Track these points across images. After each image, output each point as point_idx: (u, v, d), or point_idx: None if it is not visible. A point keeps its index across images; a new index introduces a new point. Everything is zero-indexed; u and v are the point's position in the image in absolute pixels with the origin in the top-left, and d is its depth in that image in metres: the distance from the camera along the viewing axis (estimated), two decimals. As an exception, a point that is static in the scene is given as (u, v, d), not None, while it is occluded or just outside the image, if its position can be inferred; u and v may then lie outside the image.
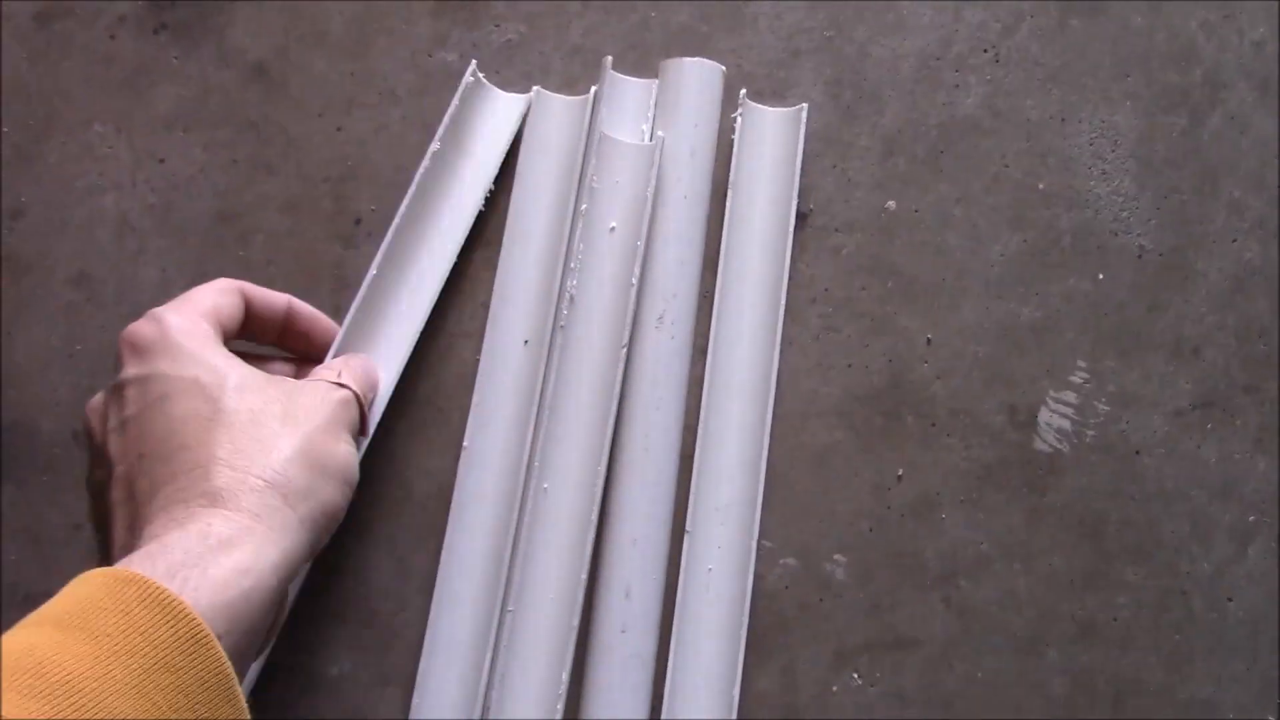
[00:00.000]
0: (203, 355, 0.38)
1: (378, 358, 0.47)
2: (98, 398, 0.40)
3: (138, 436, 0.37)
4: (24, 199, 0.50)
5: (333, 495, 0.38)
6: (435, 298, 0.48)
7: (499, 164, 0.50)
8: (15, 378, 0.49)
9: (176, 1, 0.51)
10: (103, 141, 0.51)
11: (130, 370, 0.38)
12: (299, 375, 0.45)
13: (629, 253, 0.49)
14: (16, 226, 0.50)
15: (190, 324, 0.39)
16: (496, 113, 0.51)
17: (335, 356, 0.45)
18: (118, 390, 0.38)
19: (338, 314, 0.49)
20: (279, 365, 0.46)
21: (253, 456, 0.36)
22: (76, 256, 0.50)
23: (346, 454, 0.39)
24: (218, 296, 0.42)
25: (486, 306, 0.49)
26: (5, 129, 0.51)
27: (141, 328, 0.39)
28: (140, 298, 0.50)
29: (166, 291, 0.50)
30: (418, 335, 0.47)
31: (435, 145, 0.47)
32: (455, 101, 0.48)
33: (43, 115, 0.51)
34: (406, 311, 0.48)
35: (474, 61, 0.49)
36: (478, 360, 0.49)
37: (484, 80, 0.50)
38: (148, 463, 0.36)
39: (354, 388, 0.41)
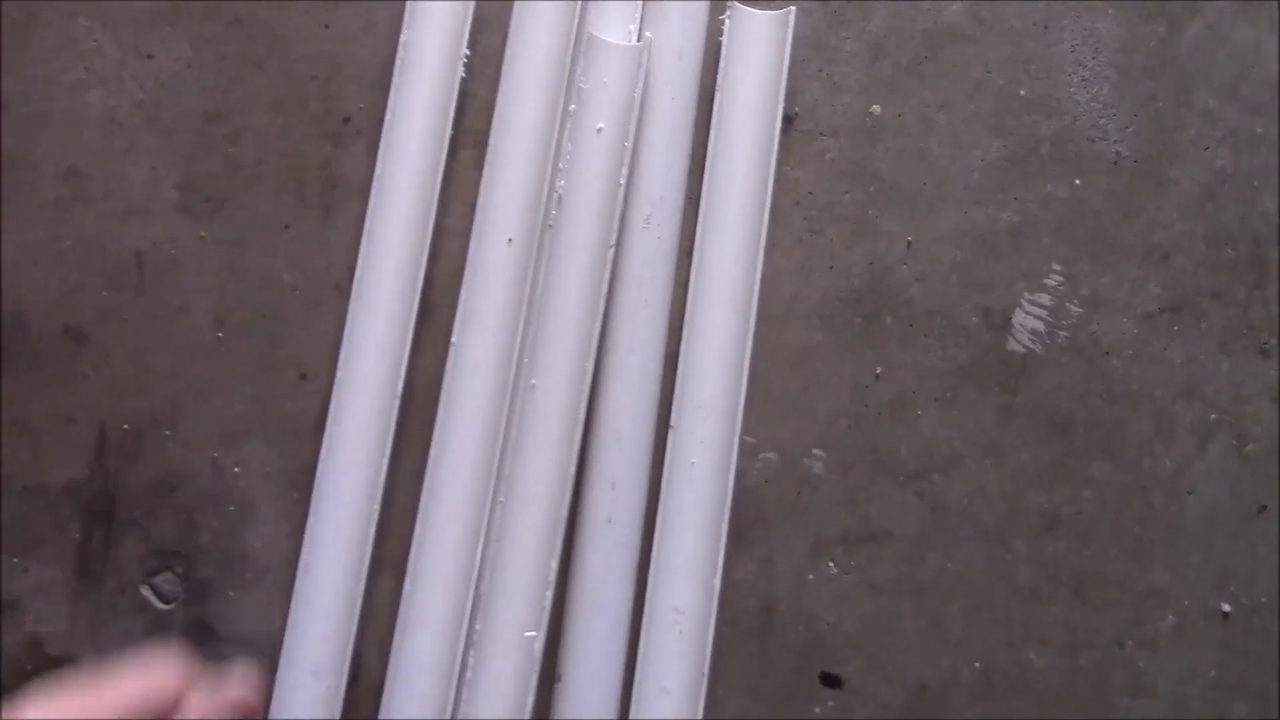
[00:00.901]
0: None
1: (392, 262, 0.48)
2: None
3: None
4: (8, 93, 0.50)
5: None
6: (436, 197, 0.49)
7: (467, 33, 0.50)
8: (4, 272, 0.49)
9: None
10: (88, 36, 0.50)
11: None
12: None
13: (617, 154, 0.49)
14: (1, 122, 0.50)
15: None
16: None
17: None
18: None
19: (328, 214, 0.50)
20: None
21: None
22: (64, 152, 0.50)
23: None
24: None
25: (473, 206, 0.50)
26: (-13, 22, 0.50)
27: None
28: (129, 194, 0.50)
29: (156, 190, 0.50)
30: (429, 237, 0.48)
31: (404, 35, 0.48)
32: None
33: (26, 8, 0.50)
34: (410, 216, 0.49)
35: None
36: (465, 258, 0.49)
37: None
38: None
39: None
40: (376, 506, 0.48)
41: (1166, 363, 0.51)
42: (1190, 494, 0.51)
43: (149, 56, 0.50)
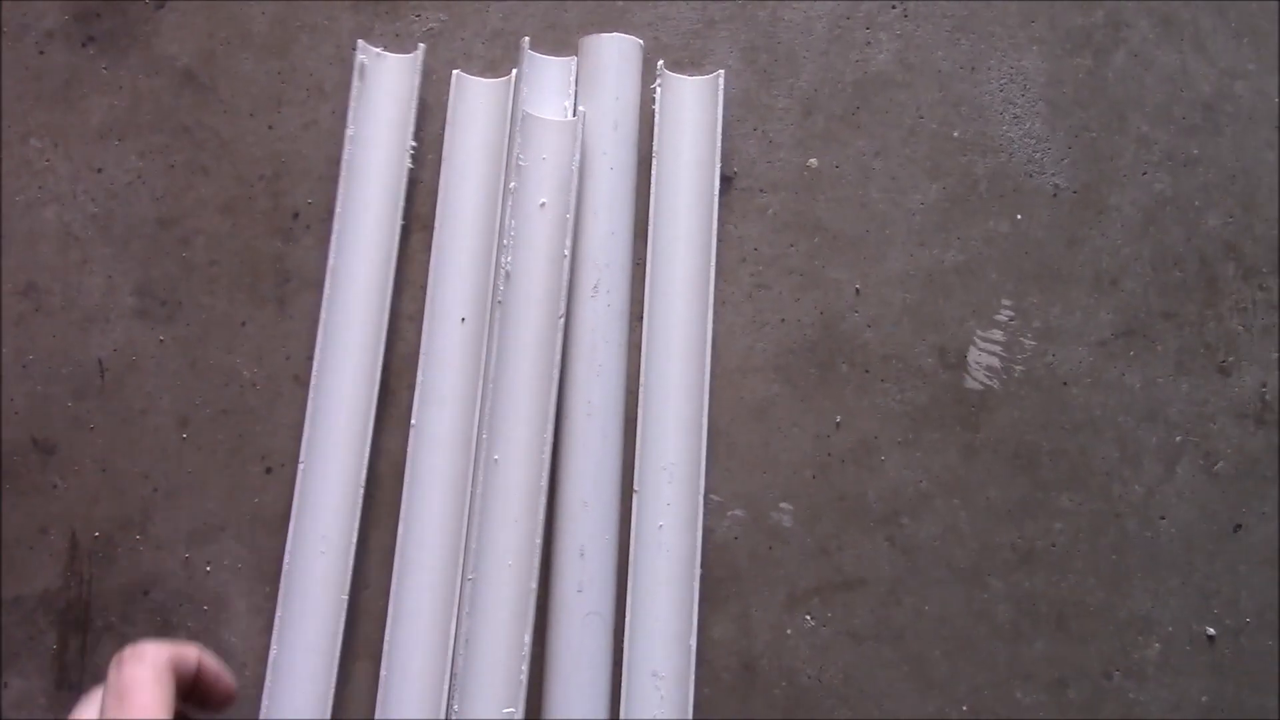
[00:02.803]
0: None
1: (350, 349, 0.49)
2: None
3: None
4: (-33, 216, 0.51)
5: None
6: (391, 283, 0.50)
7: (413, 124, 0.51)
8: (-28, 391, 0.50)
9: (102, 15, 0.52)
10: (40, 155, 0.52)
11: None
12: None
13: (560, 226, 0.50)
14: (-38, 244, 0.51)
15: None
16: (398, 76, 0.52)
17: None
18: None
19: (283, 307, 0.51)
20: None
21: None
22: (22, 269, 0.51)
23: None
24: (163, 693, 0.38)
25: (425, 289, 0.51)
26: (-57, 149, 0.52)
27: None
28: (88, 304, 0.51)
29: (114, 298, 0.51)
30: (386, 322, 0.49)
31: (350, 130, 0.49)
32: (355, 80, 0.50)
33: (-21, 133, 0.52)
34: (365, 304, 0.50)
35: (359, 40, 0.51)
36: (420, 340, 0.50)
37: (379, 51, 0.52)
38: None
39: None
40: (345, 596, 0.48)
41: (1126, 388, 0.52)
42: (1163, 518, 0.51)
43: (99, 170, 0.52)
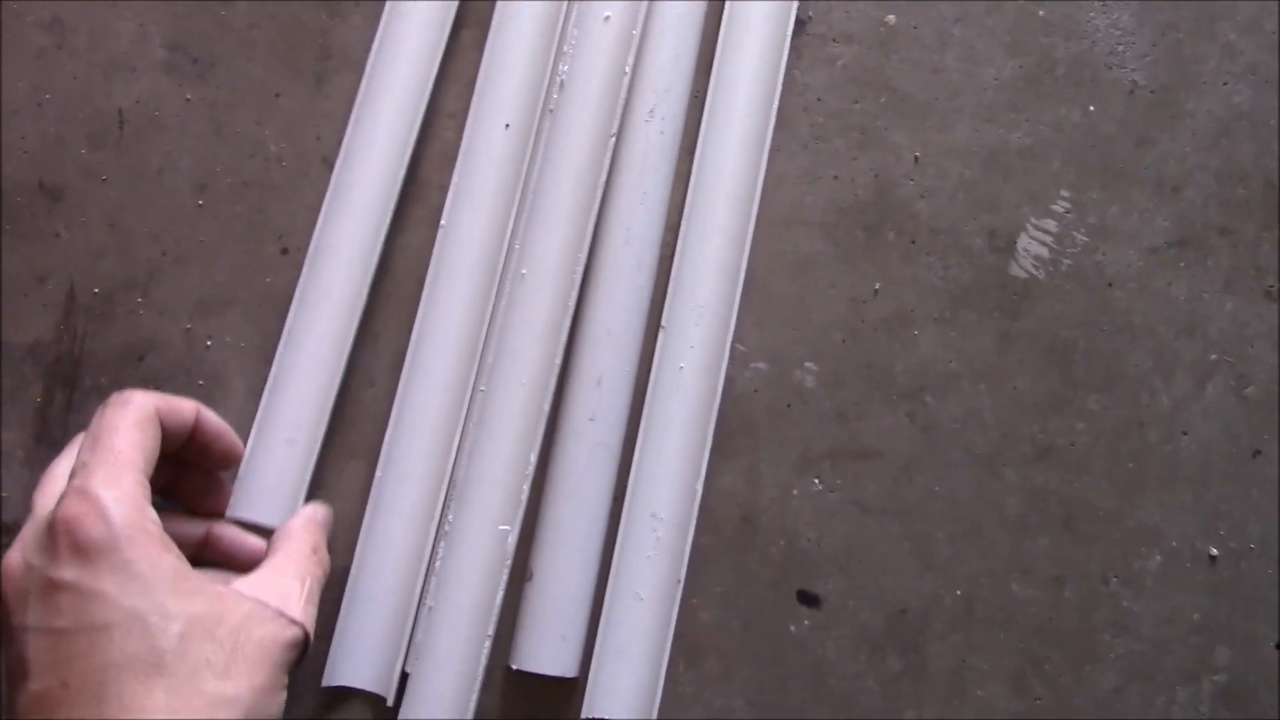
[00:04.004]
0: (152, 582, 0.35)
1: (377, 143, 0.46)
2: (16, 559, 0.36)
3: (66, 659, 0.34)
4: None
5: None
6: (434, 74, 0.47)
7: None
8: (-20, 123, 0.47)
9: None
10: (82, -118, 0.48)
11: (68, 571, 0.34)
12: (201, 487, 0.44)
13: (624, 42, 0.48)
14: (-14, -34, 0.48)
15: (138, 520, 0.36)
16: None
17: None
18: (51, 587, 0.34)
19: (321, 85, 0.48)
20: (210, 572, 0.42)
21: None
22: (49, 1, 0.48)
23: (279, 708, 0.37)
24: (143, 438, 0.38)
25: (471, 87, 0.48)
26: None
27: (85, 519, 0.35)
28: (115, 50, 0.48)
29: (143, 48, 0.48)
30: (421, 114, 0.47)
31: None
32: None
33: None
34: (401, 96, 0.48)
35: None
36: (460, 141, 0.48)
37: None
38: (73, 698, 0.34)
39: (305, 624, 0.38)
40: (336, 384, 0.46)
41: (1170, 298, 0.50)
42: (1185, 433, 0.50)
43: (145, -94, 0.48)
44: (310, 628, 0.39)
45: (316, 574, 0.41)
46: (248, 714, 0.35)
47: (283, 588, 0.39)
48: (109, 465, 0.37)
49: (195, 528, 0.43)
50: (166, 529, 0.37)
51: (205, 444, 0.42)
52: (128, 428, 0.38)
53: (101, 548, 0.35)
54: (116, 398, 0.39)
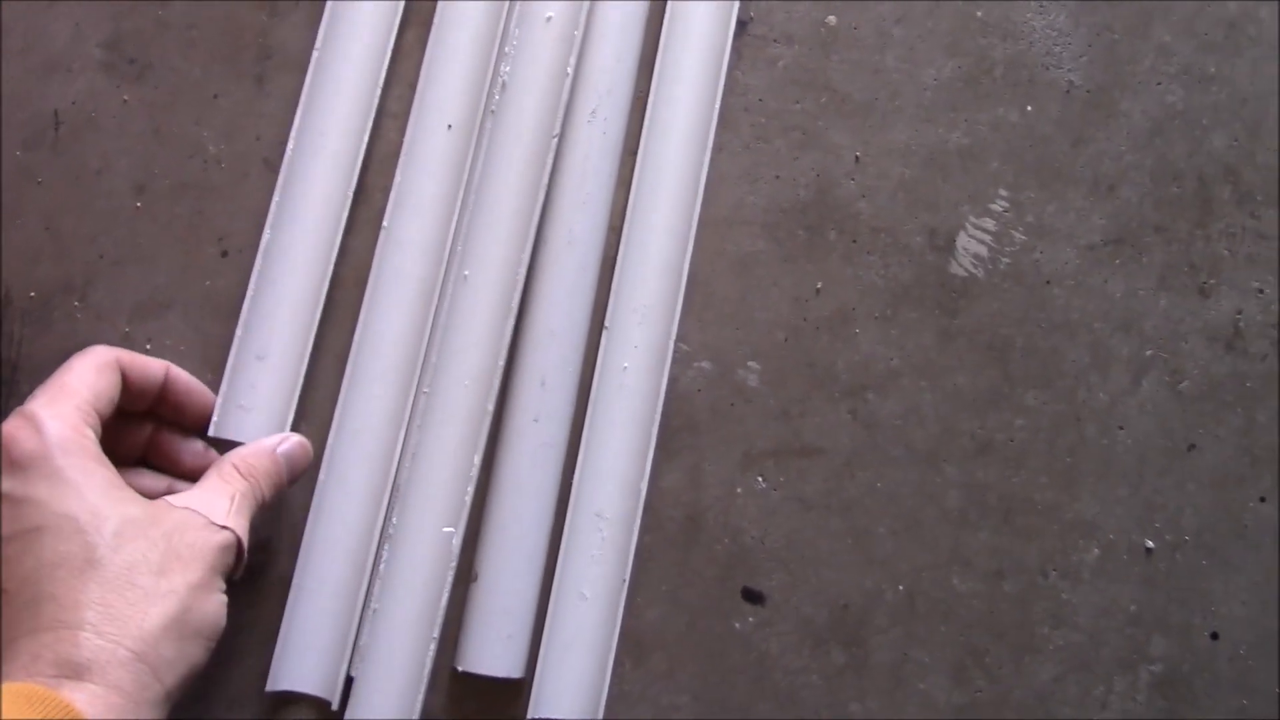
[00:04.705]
0: (84, 488, 0.36)
1: (325, 142, 0.46)
2: None
3: (2, 565, 0.35)
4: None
5: (200, 656, 0.37)
6: (382, 75, 0.47)
7: None
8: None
9: None
10: (14, -120, 0.48)
11: (5, 484, 0.36)
12: (178, 446, 0.44)
13: (565, 42, 0.48)
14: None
15: (72, 435, 0.37)
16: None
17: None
18: None
19: (261, 85, 0.48)
20: (148, 479, 0.44)
21: (124, 621, 0.34)
22: (-18, 1, 0.47)
23: (217, 608, 0.38)
24: (96, 378, 0.39)
25: (414, 88, 0.48)
26: None
27: (19, 434, 0.37)
28: (50, 50, 0.47)
29: (79, 48, 0.48)
30: (372, 115, 0.47)
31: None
32: None
33: None
34: (351, 92, 0.48)
35: None
36: (402, 142, 0.48)
37: None
38: (9, 602, 0.35)
39: (235, 530, 0.39)
40: (297, 392, 0.46)
41: (1107, 295, 0.51)
42: (1121, 428, 0.51)
43: (78, -95, 0.48)
44: (242, 536, 0.40)
45: (244, 489, 0.41)
46: (183, 609, 0.36)
47: (211, 503, 0.40)
48: (52, 393, 0.39)
49: (140, 432, 0.44)
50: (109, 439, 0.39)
51: (178, 403, 0.43)
52: (81, 369, 0.40)
53: (34, 457, 0.36)
54: (82, 349, 0.41)
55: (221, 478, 0.41)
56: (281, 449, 0.44)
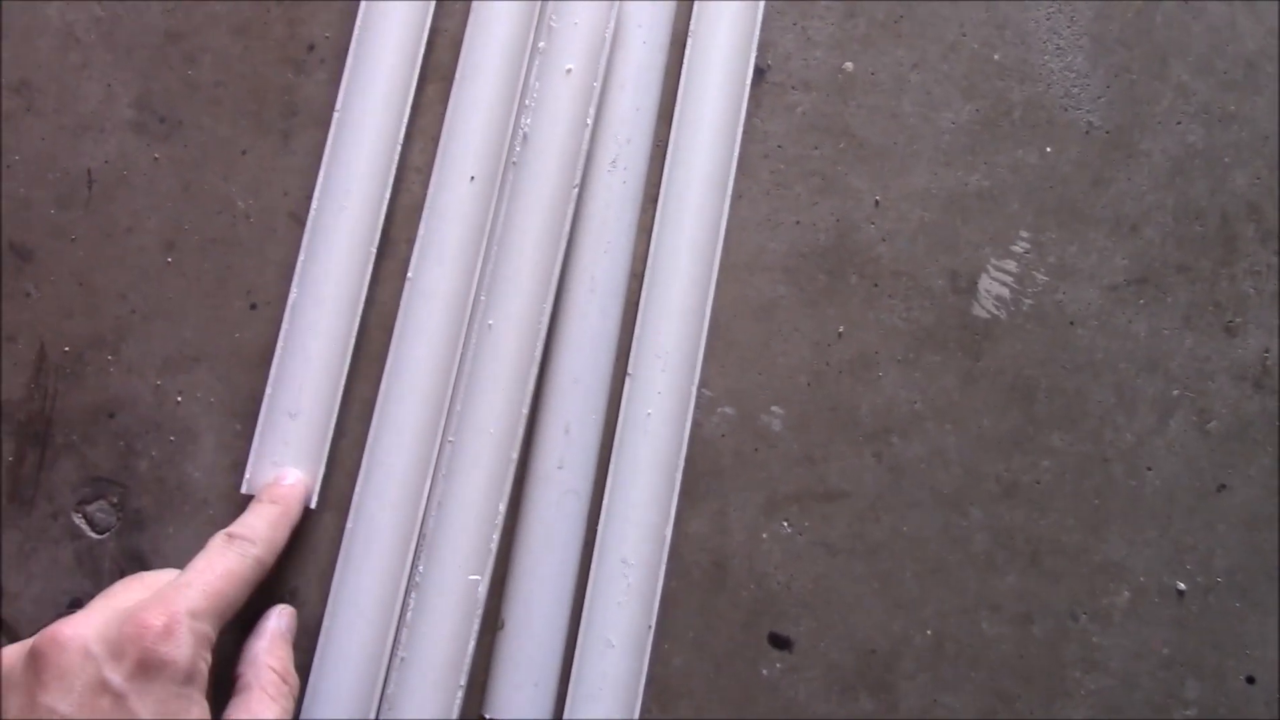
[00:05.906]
0: None
1: (349, 196, 0.47)
2: (82, 636, 0.37)
3: None
4: (-36, 2, 0.48)
5: None
6: (404, 127, 0.48)
7: None
8: (-50, 185, 0.48)
9: None
10: (48, -53, 0.49)
11: (121, 678, 0.36)
12: None
13: (585, 93, 0.48)
14: (-45, 30, 0.48)
15: (200, 664, 0.38)
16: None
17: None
18: (100, 686, 0.36)
19: (287, 141, 0.49)
20: None
21: None
22: (17, 64, 0.49)
23: None
24: (239, 593, 0.42)
25: (436, 141, 0.49)
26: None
27: (160, 638, 0.37)
28: (83, 110, 0.48)
29: (111, 108, 0.49)
30: (394, 167, 0.48)
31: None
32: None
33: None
34: (373, 147, 0.48)
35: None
36: (425, 194, 0.48)
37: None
38: None
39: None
40: (327, 445, 0.47)
41: (1131, 335, 0.51)
42: (1149, 469, 0.51)
43: (111, -30, 0.49)
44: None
45: (288, 705, 0.42)
46: None
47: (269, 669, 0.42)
48: (205, 597, 0.39)
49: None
50: None
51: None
52: (240, 580, 0.41)
53: (164, 675, 0.36)
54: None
55: (267, 693, 0.42)
56: (284, 624, 0.45)
